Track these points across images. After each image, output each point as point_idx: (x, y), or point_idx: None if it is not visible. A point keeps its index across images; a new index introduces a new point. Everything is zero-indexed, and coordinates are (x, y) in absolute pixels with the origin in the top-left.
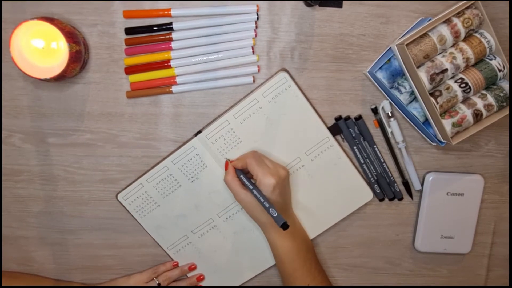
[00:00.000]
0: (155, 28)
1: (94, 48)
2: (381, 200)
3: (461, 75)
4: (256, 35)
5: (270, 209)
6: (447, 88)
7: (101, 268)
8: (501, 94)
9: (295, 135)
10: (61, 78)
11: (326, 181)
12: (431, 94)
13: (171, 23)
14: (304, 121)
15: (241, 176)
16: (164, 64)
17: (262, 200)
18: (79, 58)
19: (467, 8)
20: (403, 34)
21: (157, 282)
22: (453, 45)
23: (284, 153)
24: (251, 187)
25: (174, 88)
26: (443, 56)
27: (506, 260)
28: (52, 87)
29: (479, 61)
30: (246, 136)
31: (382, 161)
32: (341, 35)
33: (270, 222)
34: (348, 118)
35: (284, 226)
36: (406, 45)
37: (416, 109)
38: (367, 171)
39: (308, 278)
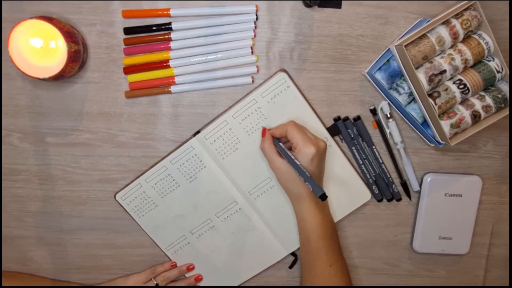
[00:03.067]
0: (154, 28)
1: (93, 47)
2: (379, 200)
3: (459, 76)
4: (255, 36)
5: (308, 179)
6: (446, 89)
7: (99, 268)
8: (499, 96)
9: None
10: (59, 77)
11: (324, 182)
12: (430, 95)
13: (170, 23)
14: (303, 121)
15: (279, 144)
16: (163, 64)
17: (302, 169)
18: (77, 57)
19: (466, 9)
20: (402, 35)
21: (155, 282)
22: (451, 47)
23: None
24: (290, 155)
25: (173, 88)
26: (442, 57)
27: (504, 261)
28: (50, 87)
29: (478, 62)
30: (244, 136)
31: (381, 162)
32: (340, 36)
33: (304, 194)
34: (346, 118)
35: (323, 197)
36: (405, 46)
37: (414, 110)
38: (366, 171)
39: (332, 259)
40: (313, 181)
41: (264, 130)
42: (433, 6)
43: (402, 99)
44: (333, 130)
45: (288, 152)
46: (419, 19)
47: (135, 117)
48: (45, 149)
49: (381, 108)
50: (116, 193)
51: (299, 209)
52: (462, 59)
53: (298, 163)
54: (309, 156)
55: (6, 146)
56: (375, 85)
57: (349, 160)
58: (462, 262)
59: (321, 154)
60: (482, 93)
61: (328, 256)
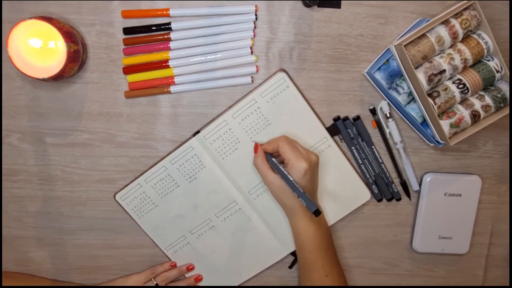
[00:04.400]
0: (153, 28)
1: (92, 47)
2: (379, 200)
3: (459, 76)
4: (254, 36)
5: (302, 195)
6: (445, 89)
7: (99, 269)
8: (499, 95)
9: (293, 135)
10: (59, 77)
11: (324, 182)
12: (429, 95)
13: (169, 23)
14: (302, 121)
15: (271, 159)
16: (162, 64)
17: (295, 185)
18: (77, 57)
19: (465, 9)
20: (402, 35)
21: (155, 282)
22: (451, 46)
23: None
24: (283, 170)
25: (172, 88)
26: (441, 57)
27: (503, 260)
28: (50, 87)
29: (477, 62)
30: (244, 136)
31: (380, 161)
32: (340, 36)
33: (297, 208)
34: (346, 118)
35: (317, 213)
36: (405, 46)
37: (414, 110)
38: (365, 171)
39: (328, 269)
40: (306, 197)
41: (256, 146)
42: (433, 5)
43: (401, 98)
44: (332, 130)
45: (281, 167)
46: (418, 19)
47: (134, 117)
48: (44, 150)
49: (381, 108)
50: (116, 193)
51: (294, 222)
52: (461, 59)
53: (291, 178)
54: (301, 172)
55: (6, 146)
56: (374, 85)
57: (349, 160)
58: (462, 261)
59: (313, 168)
60: (482, 93)
61: (324, 267)
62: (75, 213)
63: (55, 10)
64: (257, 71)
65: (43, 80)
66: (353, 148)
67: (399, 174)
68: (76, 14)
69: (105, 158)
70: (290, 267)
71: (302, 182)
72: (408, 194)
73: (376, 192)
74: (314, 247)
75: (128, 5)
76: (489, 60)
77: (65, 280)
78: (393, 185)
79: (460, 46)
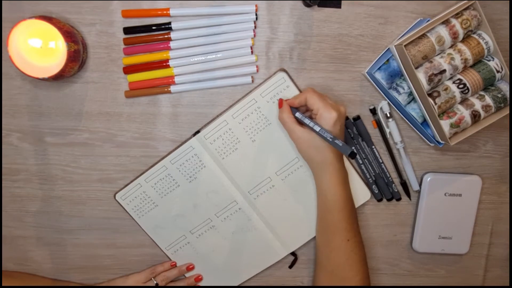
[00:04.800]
0: (153, 27)
1: (92, 47)
2: (379, 200)
3: (459, 76)
4: (255, 35)
5: (335, 140)
6: (445, 89)
7: (99, 268)
8: (499, 95)
9: None
10: (59, 77)
11: None
12: (429, 94)
13: (169, 23)
14: None
15: (297, 113)
16: (162, 64)
17: (325, 132)
18: (77, 57)
19: (466, 9)
20: (402, 34)
21: (155, 282)
22: (451, 46)
23: (282, 153)
24: (310, 121)
25: (172, 88)
26: (442, 57)
27: (503, 260)
28: (50, 86)
29: (477, 62)
30: (244, 136)
31: (381, 161)
32: (340, 36)
33: (327, 162)
34: (346, 118)
35: (353, 155)
36: (405, 45)
37: (414, 110)
38: (365, 171)
39: (350, 233)
40: (340, 141)
41: (280, 101)
42: (433, 5)
43: (401, 98)
44: None
45: (309, 118)
46: (418, 19)
47: (134, 117)
48: (44, 149)
49: (381, 108)
50: (116, 193)
51: (321, 179)
52: (461, 59)
53: (319, 127)
54: (331, 121)
55: (6, 146)
56: (374, 84)
57: (349, 160)
58: (462, 261)
59: (342, 118)
60: (482, 93)
61: (347, 230)
62: (75, 213)
63: (55, 10)
64: (257, 70)
65: (43, 79)
66: (353, 147)
67: (399, 174)
68: (76, 13)
69: (105, 158)
70: (290, 267)
71: (332, 131)
72: (408, 194)
73: (376, 192)
74: (340, 208)
75: (128, 4)
76: (489, 60)
77: (65, 279)
78: (393, 185)
79: (461, 46)
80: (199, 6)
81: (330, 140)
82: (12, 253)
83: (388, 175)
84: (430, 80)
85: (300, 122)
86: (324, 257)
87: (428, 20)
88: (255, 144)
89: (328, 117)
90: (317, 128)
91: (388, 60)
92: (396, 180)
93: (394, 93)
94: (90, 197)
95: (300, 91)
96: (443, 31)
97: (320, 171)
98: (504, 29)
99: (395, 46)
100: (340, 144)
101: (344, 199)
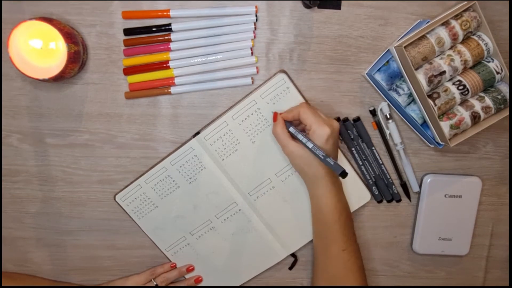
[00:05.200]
0: (154, 29)
1: (92, 48)
2: (379, 202)
3: (459, 77)
4: (255, 37)
5: (327, 158)
6: (445, 90)
7: (99, 269)
8: (499, 97)
9: None
10: (59, 78)
11: None
12: (429, 96)
13: (170, 24)
14: None
15: (291, 128)
16: (162, 65)
17: (317, 149)
18: (77, 58)
19: (465, 10)
20: (402, 36)
21: (155, 283)
22: (451, 48)
23: (282, 155)
24: (303, 137)
25: (172, 89)
26: (441, 58)
27: (504, 262)
28: (50, 88)
29: (477, 63)
30: (244, 137)
31: (380, 163)
32: (340, 37)
33: (319, 177)
34: (346, 119)
35: (343, 174)
36: (405, 47)
37: (414, 111)
38: (365, 172)
39: (346, 243)
40: (331, 160)
41: (275, 115)
42: (433, 7)
43: (401, 100)
44: None
45: (302, 135)
46: (418, 20)
47: (135, 118)
48: (44, 150)
49: (381, 109)
50: (116, 194)
51: (314, 192)
52: (461, 60)
53: (312, 144)
54: (324, 137)
55: (6, 147)
56: (374, 86)
57: (349, 161)
58: (462, 263)
59: (335, 134)
60: (482, 94)
61: (343, 241)
62: (75, 214)
63: (56, 11)
64: (257, 72)
65: (44, 80)
66: (353, 149)
67: (399, 175)
68: (77, 15)
69: (105, 159)
70: (290, 268)
71: (325, 147)
72: (408, 195)
73: (376, 193)
74: (334, 219)
75: (128, 6)
76: (489, 62)
77: (65, 281)
78: (393, 186)
79: (460, 47)
80: (199, 8)
81: (322, 158)
82: (12, 254)
83: (388, 177)
84: (430, 81)
85: (294, 137)
86: (321, 266)
87: (428, 22)
88: (255, 146)
89: (320, 134)
90: (310, 145)
91: (388, 61)
92: (396, 182)
93: (394, 94)
94: (90, 198)
95: (300, 92)
96: (442, 33)
97: (313, 184)
98: (504, 30)
99: (395, 47)
100: (332, 163)
101: (339, 210)
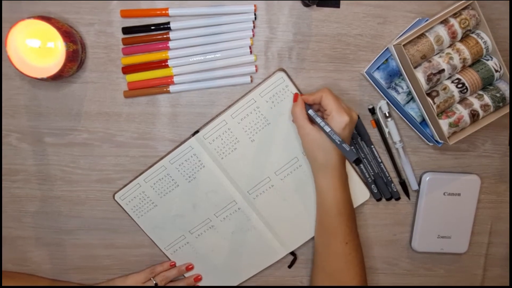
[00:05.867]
0: (152, 27)
1: (91, 47)
2: (378, 200)
3: (458, 76)
4: (253, 35)
5: (343, 144)
6: (444, 89)
7: (98, 268)
8: (498, 95)
9: (292, 135)
10: (58, 77)
11: None
12: (428, 94)
13: (168, 23)
14: None
15: (310, 110)
16: (161, 64)
17: (334, 134)
18: (76, 57)
19: (464, 8)
20: (401, 34)
21: (154, 282)
22: (450, 46)
23: (282, 153)
24: (321, 121)
25: (171, 88)
26: (440, 56)
27: (502, 259)
28: (49, 87)
29: (476, 61)
30: (243, 136)
31: (380, 161)
32: (339, 35)
33: (329, 165)
34: None
35: (357, 161)
36: (404, 45)
37: (413, 109)
38: (364, 171)
39: (349, 236)
40: (347, 146)
41: (296, 95)
42: (432, 5)
43: (400, 98)
44: None
45: (321, 118)
46: (417, 19)
47: (133, 117)
48: (43, 149)
49: (380, 108)
50: (115, 193)
51: (321, 181)
52: (460, 58)
53: (330, 128)
54: (342, 125)
55: (5, 146)
56: (373, 84)
57: (348, 160)
58: (461, 261)
59: (353, 124)
60: (481, 92)
61: (346, 233)
62: (74, 213)
63: (54, 10)
64: (256, 70)
65: (42, 79)
66: (352, 147)
67: (398, 174)
68: (75, 13)
69: (104, 158)
70: (290, 266)
71: (341, 135)
72: (407, 193)
73: (375, 191)
74: (339, 211)
75: (127, 4)
76: (488, 60)
77: (64, 280)
78: (392, 184)
79: (459, 45)
80: (198, 6)
81: (338, 143)
82: (11, 253)
83: (387, 175)
84: (429, 79)
85: (311, 120)
86: (323, 260)
87: (427, 20)
88: (254, 144)
89: (339, 120)
90: (327, 129)
91: (387, 59)
92: (395, 180)
93: (393, 93)
94: (89, 197)
95: (299, 90)
96: (441, 31)
97: (322, 172)
98: (503, 28)
99: (394, 45)
100: (347, 149)
101: (344, 202)
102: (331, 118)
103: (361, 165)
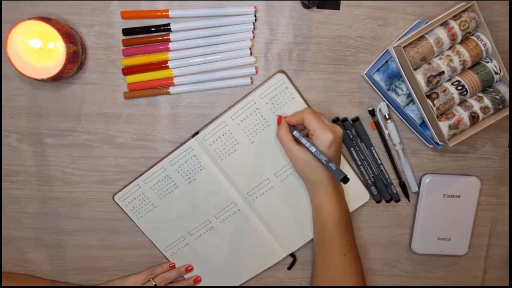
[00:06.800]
0: (153, 29)
1: (91, 48)
2: (378, 201)
3: (457, 78)
4: (254, 37)
5: (329, 163)
6: (444, 91)
7: (97, 269)
8: (497, 97)
9: None
10: (58, 78)
11: None
12: (428, 96)
13: (169, 24)
14: None
15: (295, 131)
16: (161, 65)
17: (320, 154)
18: (76, 58)
19: (464, 11)
20: (401, 36)
21: (153, 283)
22: (450, 48)
23: (281, 155)
24: (306, 141)
25: (171, 89)
26: (440, 58)
27: (502, 261)
28: (49, 88)
29: (476, 63)
30: (243, 137)
31: (379, 163)
32: (339, 37)
33: (320, 182)
34: (345, 120)
35: (345, 180)
36: (403, 47)
37: (413, 111)
38: (364, 172)
39: (346, 248)
40: (333, 165)
41: (280, 118)
42: (432, 7)
43: (400, 100)
44: None
45: (306, 138)
46: (417, 21)
47: (133, 118)
48: (43, 150)
49: (380, 109)
50: (115, 194)
51: (316, 197)
52: (460, 61)
53: (315, 148)
54: (327, 142)
55: (4, 147)
56: (373, 86)
57: (348, 161)
58: (461, 263)
59: (338, 141)
60: (480, 95)
61: (342, 245)
62: (73, 214)
63: (54, 11)
64: (256, 72)
65: (42, 80)
66: (352, 149)
67: (398, 175)
68: (76, 14)
69: (104, 159)
70: (289, 268)
71: (328, 153)
72: (407, 195)
73: (375, 193)
74: (334, 224)
75: (127, 6)
76: (487, 62)
77: (64, 280)
78: (392, 186)
79: (459, 48)
80: (198, 8)
81: (324, 162)
82: (11, 254)
83: (387, 177)
84: (428, 81)
85: (297, 141)
86: (321, 271)
87: (427, 22)
88: (254, 146)
89: (324, 139)
90: (313, 149)
91: (387, 61)
92: (395, 182)
93: (393, 95)
94: (89, 198)
95: (299, 92)
96: (441, 33)
97: (315, 189)
98: (503, 30)
99: (393, 47)
100: (334, 168)
101: (339, 215)
102: (315, 137)
103: (361, 167)
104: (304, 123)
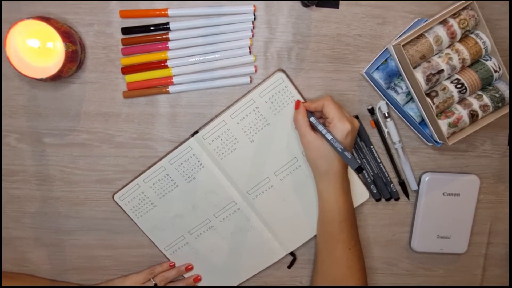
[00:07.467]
0: (152, 28)
1: (90, 47)
2: (378, 200)
3: (457, 76)
4: (253, 35)
5: (345, 151)
6: (443, 89)
7: (97, 269)
8: (497, 95)
9: (292, 135)
10: (57, 78)
11: None
12: (427, 94)
13: (168, 23)
14: None
15: (312, 117)
16: (161, 64)
17: (336, 142)
18: (75, 57)
19: (463, 9)
20: (400, 34)
21: (153, 282)
22: (449, 46)
23: (281, 153)
24: (323, 128)
25: (171, 88)
26: (439, 56)
27: (502, 260)
28: (48, 87)
29: (475, 62)
30: (242, 136)
31: (379, 161)
32: (338, 36)
33: (332, 173)
34: None
35: (359, 169)
36: (403, 45)
37: (412, 110)
38: (364, 171)
39: (352, 242)
40: (349, 154)
41: (298, 102)
42: (431, 5)
43: (400, 98)
44: None
45: (323, 125)
46: (416, 19)
47: (133, 117)
48: (42, 150)
49: (379, 108)
50: (114, 193)
51: (324, 188)
52: (459, 59)
53: (332, 136)
54: (344, 132)
55: (4, 146)
56: (373, 84)
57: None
58: (460, 261)
59: (355, 132)
60: (480, 93)
61: (348, 240)
62: (73, 214)
63: (53, 10)
64: (255, 71)
65: (41, 80)
66: (354, 155)
67: (398, 174)
68: (74, 14)
69: (103, 158)
70: (289, 267)
71: (343, 143)
72: (406, 193)
73: (375, 191)
74: (341, 218)
75: (126, 5)
76: (487, 60)
77: (64, 280)
78: (392, 184)
79: (458, 46)
80: (198, 7)
81: (340, 151)
82: (11, 254)
83: (387, 175)
84: (428, 80)
85: (313, 128)
86: (325, 266)
87: (426, 20)
88: (253, 144)
89: (341, 128)
90: (329, 137)
91: (386, 60)
92: (395, 180)
93: (392, 93)
94: (89, 197)
95: (299, 91)
96: (441, 31)
97: (324, 180)
98: (502, 29)
99: (393, 46)
100: (349, 157)
101: (346, 209)
102: (333, 126)
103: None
104: (323, 110)
